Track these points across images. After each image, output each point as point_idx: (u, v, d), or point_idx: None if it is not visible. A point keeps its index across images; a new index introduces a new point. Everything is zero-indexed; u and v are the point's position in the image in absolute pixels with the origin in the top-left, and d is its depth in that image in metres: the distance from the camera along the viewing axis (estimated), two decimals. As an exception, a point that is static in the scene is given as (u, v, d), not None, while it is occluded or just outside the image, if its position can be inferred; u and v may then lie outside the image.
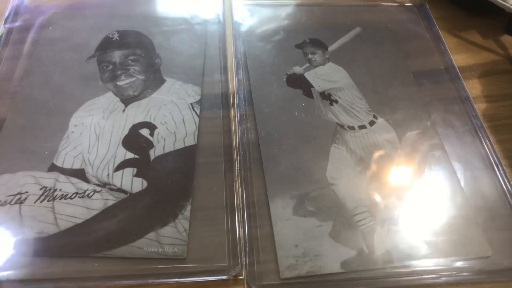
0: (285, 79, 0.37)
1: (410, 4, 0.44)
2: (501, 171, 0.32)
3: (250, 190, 0.30)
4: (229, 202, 0.30)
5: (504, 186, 0.31)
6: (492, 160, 0.33)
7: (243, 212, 0.29)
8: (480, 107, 0.37)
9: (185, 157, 0.31)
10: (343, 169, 0.32)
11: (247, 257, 0.27)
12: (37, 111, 0.33)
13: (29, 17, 0.39)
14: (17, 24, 0.39)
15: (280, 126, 0.33)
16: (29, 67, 0.35)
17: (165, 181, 0.30)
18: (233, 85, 0.36)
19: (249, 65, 0.37)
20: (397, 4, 0.44)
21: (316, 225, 0.29)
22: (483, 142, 0.34)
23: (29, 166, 0.30)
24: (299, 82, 0.36)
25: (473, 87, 0.38)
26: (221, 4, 0.42)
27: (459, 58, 0.40)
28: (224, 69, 0.36)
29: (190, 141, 0.32)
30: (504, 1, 0.40)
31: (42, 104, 0.33)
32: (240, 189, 0.30)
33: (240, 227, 0.29)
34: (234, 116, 0.34)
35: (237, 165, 0.31)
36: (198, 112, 0.34)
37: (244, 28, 0.40)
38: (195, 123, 0.33)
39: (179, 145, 0.32)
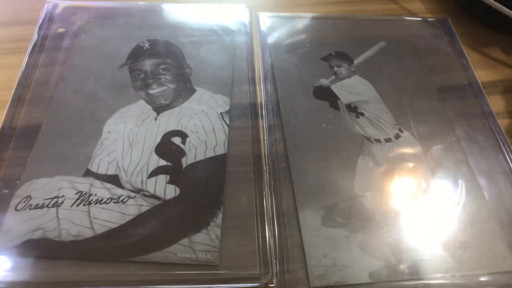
0: (312, 91, 0.37)
1: (433, 19, 0.45)
2: None
3: (279, 200, 0.31)
4: (259, 211, 0.30)
5: None
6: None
7: (273, 221, 0.30)
8: (503, 122, 0.37)
9: (216, 165, 0.32)
10: (370, 181, 0.32)
11: (277, 265, 0.28)
12: (72, 117, 0.34)
13: (62, 25, 0.40)
14: (51, 31, 0.40)
15: (308, 137, 0.34)
16: (63, 74, 0.36)
17: (197, 189, 0.31)
18: (261, 96, 0.37)
19: (276, 76, 0.38)
20: (420, 18, 0.45)
21: (344, 236, 0.29)
22: (508, 157, 0.34)
23: (65, 171, 0.31)
24: (325, 94, 0.37)
25: (496, 103, 0.38)
26: (248, 15, 0.43)
27: (482, 74, 0.41)
28: (252, 80, 0.37)
29: (221, 150, 0.33)
30: None
31: (76, 110, 0.34)
32: (269, 198, 0.31)
33: (270, 236, 0.29)
34: (263, 127, 0.35)
35: (266, 175, 0.32)
36: (227, 121, 0.35)
37: (270, 39, 0.41)
38: (225, 132, 0.34)
39: (210, 153, 0.33)
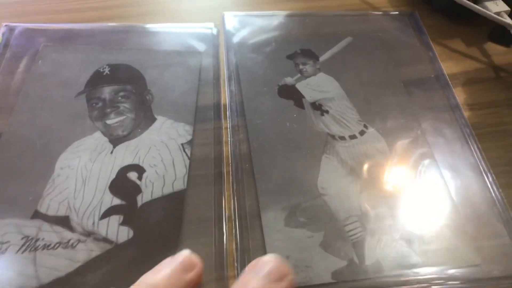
0: (276, 90, 0.37)
1: (401, 13, 0.44)
2: (490, 179, 0.32)
3: (242, 202, 0.30)
4: (217, 214, 0.30)
5: (493, 194, 0.32)
6: (481, 168, 0.33)
7: (235, 224, 0.29)
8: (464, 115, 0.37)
9: (174, 203, 0.30)
10: (334, 179, 0.32)
11: (239, 268, 0.27)
12: (23, 152, 0.32)
13: (19, 49, 0.38)
14: (6, 56, 0.38)
15: (272, 137, 0.34)
16: (16, 105, 0.34)
17: (152, 231, 0.29)
18: (225, 99, 0.36)
19: (241, 76, 0.37)
20: (387, 13, 0.44)
21: (307, 236, 0.29)
22: (473, 150, 0.34)
23: (12, 213, 0.29)
24: (290, 93, 0.37)
25: (457, 95, 0.38)
26: (216, 35, 0.40)
27: (444, 66, 0.40)
28: (217, 108, 0.35)
29: (180, 185, 0.31)
30: (487, 10, 0.40)
31: (28, 145, 0.32)
32: (232, 201, 0.30)
33: (227, 240, 0.29)
34: (226, 127, 0.34)
35: (229, 177, 0.32)
36: (189, 153, 0.33)
37: (236, 39, 0.40)
38: (185, 166, 0.32)
39: (168, 190, 0.31)
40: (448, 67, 0.40)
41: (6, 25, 0.39)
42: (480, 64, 0.41)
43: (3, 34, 0.39)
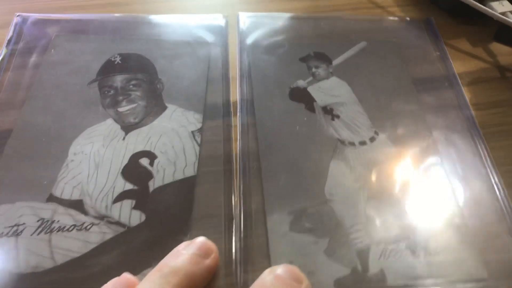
0: (288, 93, 0.37)
1: (416, 18, 0.44)
2: (502, 193, 0.32)
3: (248, 203, 0.30)
4: (227, 212, 0.30)
5: (503, 207, 0.31)
6: (492, 181, 0.32)
7: (240, 225, 0.29)
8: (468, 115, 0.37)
9: (185, 188, 0.31)
10: (342, 185, 0.32)
11: (241, 271, 0.27)
12: (38, 138, 0.33)
13: (32, 38, 0.39)
14: (20, 46, 0.38)
15: (281, 139, 0.34)
16: (31, 92, 0.35)
17: (164, 215, 0.30)
18: (235, 97, 0.36)
19: (253, 77, 0.37)
20: (403, 18, 0.44)
21: (312, 241, 0.29)
22: (484, 161, 0.33)
23: (27, 196, 0.30)
24: (301, 96, 0.37)
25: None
26: (224, 26, 0.41)
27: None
28: (226, 95, 0.36)
29: (190, 171, 0.32)
30: (492, 10, 0.40)
31: (42, 130, 0.33)
32: (238, 200, 0.30)
33: (237, 239, 0.29)
34: (236, 125, 0.34)
35: (236, 176, 0.32)
36: (199, 141, 0.33)
37: (249, 40, 0.40)
38: (195, 153, 0.33)
39: (179, 175, 0.31)
40: (454, 66, 0.40)
41: (18, 15, 0.40)
42: (486, 64, 0.41)
43: (16, 24, 0.40)
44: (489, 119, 0.37)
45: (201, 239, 0.25)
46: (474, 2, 0.40)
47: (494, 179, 0.32)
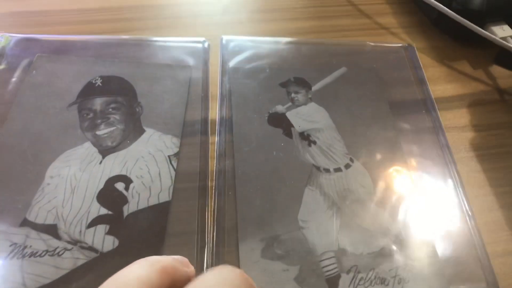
0: (266, 118, 0.37)
1: (398, 45, 0.45)
2: (473, 222, 0.32)
3: (221, 230, 0.31)
4: (200, 237, 0.30)
5: (474, 238, 0.32)
6: (465, 211, 0.33)
7: (212, 252, 0.30)
8: (468, 136, 0.38)
9: (158, 214, 0.31)
10: (315, 212, 0.32)
11: None
12: (14, 161, 0.33)
13: (14, 59, 0.39)
14: (1, 66, 0.39)
15: (258, 165, 0.34)
16: (9, 114, 0.35)
17: (136, 241, 0.30)
18: (214, 115, 0.37)
19: (233, 101, 0.38)
20: (384, 44, 0.45)
21: (282, 269, 0.29)
22: (458, 192, 0.34)
23: (1, 221, 0.30)
24: (280, 121, 0.37)
25: (462, 116, 0.39)
26: (207, 50, 0.42)
27: (449, 88, 0.42)
28: (205, 121, 0.36)
29: (165, 197, 0.32)
30: (493, 34, 0.41)
31: (19, 153, 0.33)
32: (212, 226, 0.31)
33: (208, 264, 0.29)
34: (214, 144, 0.35)
35: (211, 203, 0.32)
36: (175, 165, 0.34)
37: (232, 63, 0.41)
38: (171, 178, 0.33)
39: (153, 201, 0.32)
40: (454, 88, 0.41)
41: (1, 36, 0.40)
42: (486, 87, 0.42)
43: (-2, 43, 0.40)
44: (488, 140, 0.38)
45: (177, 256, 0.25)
46: (475, 27, 0.41)
47: (467, 209, 0.33)
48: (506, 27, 0.43)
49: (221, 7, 0.47)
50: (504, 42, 0.41)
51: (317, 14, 0.47)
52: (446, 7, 0.42)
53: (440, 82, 0.42)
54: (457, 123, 0.39)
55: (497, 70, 0.44)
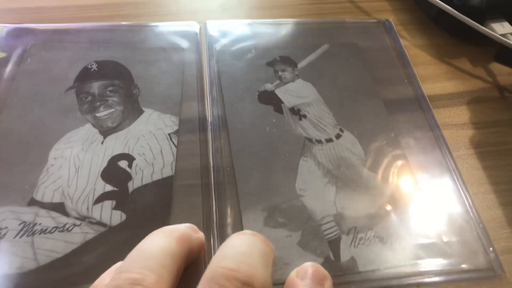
0: (257, 96, 0.38)
1: (375, 20, 0.47)
2: (460, 183, 0.34)
3: (223, 204, 0.32)
4: (204, 215, 0.31)
5: (462, 195, 0.34)
6: (450, 167, 0.35)
7: (217, 225, 0.31)
8: (467, 133, 0.38)
9: (163, 188, 0.32)
10: (311, 181, 0.34)
11: None
12: (17, 145, 0.34)
13: (7, 49, 0.40)
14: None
15: (252, 141, 0.35)
16: (8, 101, 0.36)
17: (144, 213, 0.31)
18: (208, 105, 0.38)
19: (222, 83, 0.39)
20: (363, 20, 0.47)
21: (285, 235, 0.31)
22: (442, 151, 0.36)
23: (9, 201, 0.31)
24: (270, 99, 0.38)
25: (461, 114, 0.40)
26: (198, 32, 0.43)
27: (449, 85, 0.42)
28: (201, 97, 0.38)
29: (168, 172, 0.33)
30: (493, 31, 0.42)
31: (21, 137, 0.34)
32: (214, 202, 0.32)
33: (215, 236, 0.30)
34: (208, 132, 0.36)
35: (212, 179, 0.33)
36: (175, 142, 0.35)
37: (218, 46, 0.42)
38: (172, 154, 0.34)
39: (157, 176, 0.33)
40: (454, 85, 0.42)
41: (-6, 25, 0.41)
42: (485, 84, 0.43)
43: (-9, 34, 0.40)
44: (488, 138, 0.38)
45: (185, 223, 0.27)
46: (475, 24, 0.42)
47: (452, 166, 0.35)
48: (506, 24, 0.43)
49: (219, 4, 0.48)
50: (504, 39, 0.41)
51: (315, 12, 0.48)
52: (446, 4, 0.43)
53: (440, 80, 0.42)
54: (457, 120, 0.39)
55: (497, 67, 0.44)
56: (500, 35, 0.42)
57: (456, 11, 0.42)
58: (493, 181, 0.35)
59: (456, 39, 0.46)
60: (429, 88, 0.41)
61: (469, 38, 0.46)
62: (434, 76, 0.43)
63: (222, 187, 0.33)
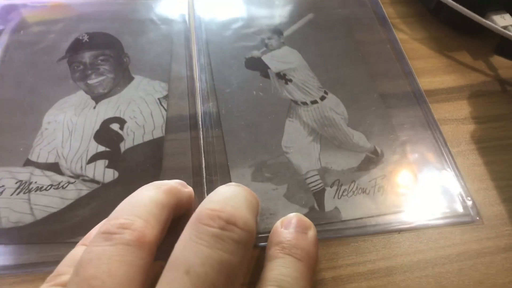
0: (244, 62, 0.40)
1: None
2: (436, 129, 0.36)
3: (212, 161, 0.33)
4: (194, 172, 0.33)
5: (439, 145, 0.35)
6: (430, 126, 0.36)
7: (206, 179, 0.32)
8: (468, 128, 0.37)
9: (154, 148, 0.33)
10: (297, 139, 0.35)
11: None
12: (12, 111, 0.35)
13: (0, 23, 0.41)
14: (-12, 29, 0.40)
15: (240, 104, 0.37)
16: (1, 71, 0.37)
17: (135, 171, 0.32)
18: (196, 70, 0.39)
19: (210, 50, 0.40)
20: None
21: (272, 188, 0.32)
22: (424, 110, 0.37)
23: (5, 162, 0.32)
24: (256, 65, 0.40)
25: (462, 108, 0.39)
26: (186, 4, 0.44)
27: (449, 79, 0.41)
28: (190, 66, 0.39)
29: (158, 133, 0.34)
30: (493, 23, 0.41)
31: (16, 104, 0.35)
32: (203, 160, 0.33)
33: (204, 194, 0.32)
34: (197, 96, 0.37)
35: (201, 141, 0.34)
36: (165, 106, 0.36)
37: (206, 17, 0.44)
38: (162, 116, 0.35)
39: (148, 137, 0.34)
40: (454, 79, 0.41)
41: (-14, 1, 0.42)
42: (486, 77, 0.41)
43: (-16, 9, 0.41)
44: (489, 132, 0.37)
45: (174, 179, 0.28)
46: (475, 16, 0.41)
47: (431, 122, 0.37)
48: (507, 16, 0.41)
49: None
50: (505, 31, 0.40)
51: (313, 5, 0.47)
52: (445, -5, 0.42)
53: (439, 73, 0.42)
54: (457, 115, 0.38)
55: (498, 60, 0.43)
56: (501, 27, 0.40)
57: (455, 3, 0.41)
58: (495, 177, 0.34)
59: (456, 32, 0.45)
60: (429, 82, 0.41)
61: (469, 30, 0.45)
62: (433, 70, 0.42)
63: (211, 146, 0.34)
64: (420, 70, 0.41)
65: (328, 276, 0.29)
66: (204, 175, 0.32)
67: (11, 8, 0.42)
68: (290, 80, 0.39)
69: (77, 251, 0.25)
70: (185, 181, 0.31)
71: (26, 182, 0.31)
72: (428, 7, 0.47)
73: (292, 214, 0.28)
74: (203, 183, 0.32)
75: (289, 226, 0.27)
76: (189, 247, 0.21)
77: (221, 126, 0.35)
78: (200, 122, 0.35)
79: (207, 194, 0.31)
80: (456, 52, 0.44)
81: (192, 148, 0.34)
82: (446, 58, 0.43)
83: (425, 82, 0.40)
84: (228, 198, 0.25)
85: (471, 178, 0.34)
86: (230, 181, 0.32)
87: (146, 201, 0.24)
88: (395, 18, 0.47)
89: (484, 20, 0.41)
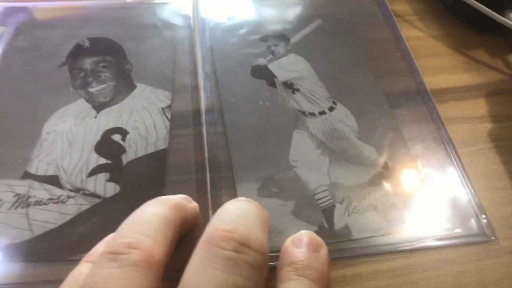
0: (250, 71, 0.39)
1: None
2: (447, 136, 0.35)
3: (217, 175, 0.32)
4: (199, 186, 0.32)
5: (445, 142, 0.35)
6: (443, 139, 0.35)
7: (211, 194, 0.31)
8: (486, 127, 0.37)
9: (157, 160, 0.32)
10: (305, 153, 0.34)
11: None
12: (9, 120, 0.34)
13: (-2, 26, 0.39)
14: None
15: (246, 115, 0.36)
16: (-1, 77, 0.36)
17: (138, 185, 0.31)
18: (200, 78, 0.38)
19: (215, 58, 0.39)
20: None
21: (279, 204, 0.31)
22: (437, 125, 0.36)
23: (2, 175, 0.31)
24: (263, 73, 0.39)
25: (479, 107, 0.38)
26: (191, 9, 0.43)
27: (466, 77, 0.40)
28: (194, 73, 0.38)
29: (161, 145, 0.33)
30: (511, 20, 0.40)
31: (13, 113, 0.34)
32: (208, 174, 0.32)
33: (209, 209, 0.30)
34: (202, 106, 0.36)
35: (206, 153, 0.33)
36: (168, 116, 0.35)
37: (210, 23, 0.42)
38: (166, 127, 0.34)
39: (151, 149, 0.33)
40: (471, 77, 0.40)
41: (-16, 4, 0.40)
42: (504, 76, 0.41)
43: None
44: (507, 132, 0.36)
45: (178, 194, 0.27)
46: (493, 13, 0.40)
47: (445, 137, 0.35)
48: None
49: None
50: None
51: (321, 11, 0.46)
52: (463, -8, 0.41)
53: (457, 71, 0.41)
54: (475, 113, 0.37)
55: None
56: None
57: (473, 0, 0.41)
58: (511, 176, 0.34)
59: (473, 30, 0.45)
60: (446, 80, 0.40)
61: (486, 28, 0.44)
62: (450, 68, 0.41)
63: (216, 159, 0.33)
64: (437, 68, 0.41)
65: (348, 273, 0.29)
66: (209, 190, 0.31)
67: (10, 11, 0.41)
68: (298, 90, 0.37)
69: (81, 269, 0.23)
70: (189, 196, 0.30)
71: (24, 195, 0.30)
72: (445, 4, 0.46)
73: (302, 232, 0.27)
74: (208, 198, 0.31)
75: (301, 245, 0.26)
76: (201, 271, 0.20)
77: (226, 138, 0.34)
78: (204, 133, 0.34)
79: (212, 210, 0.30)
80: (473, 50, 0.43)
81: (196, 161, 0.33)
82: (463, 56, 0.43)
83: (442, 80, 0.40)
84: (239, 216, 0.23)
85: (488, 177, 0.33)
86: (236, 196, 0.31)
87: (153, 218, 0.23)
88: (411, 15, 0.46)
89: (502, 18, 0.40)
